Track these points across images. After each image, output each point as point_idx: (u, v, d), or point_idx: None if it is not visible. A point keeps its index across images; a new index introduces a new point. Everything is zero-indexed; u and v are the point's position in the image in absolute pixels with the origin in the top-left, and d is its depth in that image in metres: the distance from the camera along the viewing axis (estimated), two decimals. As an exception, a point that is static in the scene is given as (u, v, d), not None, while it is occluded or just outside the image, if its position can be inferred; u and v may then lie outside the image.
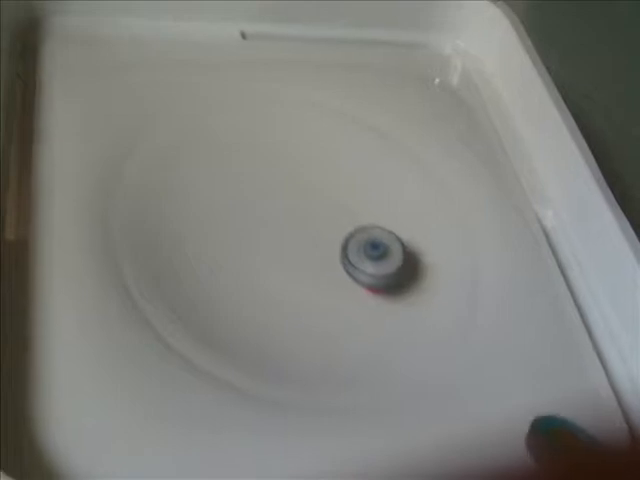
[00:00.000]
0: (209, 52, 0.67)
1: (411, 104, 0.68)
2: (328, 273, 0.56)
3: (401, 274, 0.56)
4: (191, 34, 0.67)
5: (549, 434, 0.49)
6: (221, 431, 0.48)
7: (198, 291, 0.54)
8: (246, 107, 0.64)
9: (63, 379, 0.47)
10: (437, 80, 0.71)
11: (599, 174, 0.60)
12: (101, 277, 0.52)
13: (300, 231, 0.59)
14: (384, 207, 0.61)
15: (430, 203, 0.62)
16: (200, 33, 0.67)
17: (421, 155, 0.64)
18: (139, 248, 0.55)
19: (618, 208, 0.58)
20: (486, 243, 0.60)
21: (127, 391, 0.48)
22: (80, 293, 0.51)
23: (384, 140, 0.64)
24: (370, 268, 0.56)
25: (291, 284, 0.56)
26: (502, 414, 0.50)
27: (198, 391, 0.49)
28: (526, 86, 0.68)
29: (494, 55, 0.72)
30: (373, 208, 0.61)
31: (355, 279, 0.56)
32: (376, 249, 0.56)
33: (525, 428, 0.47)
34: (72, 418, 0.46)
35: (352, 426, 0.50)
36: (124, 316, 0.51)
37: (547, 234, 0.62)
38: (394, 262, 0.56)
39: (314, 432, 0.49)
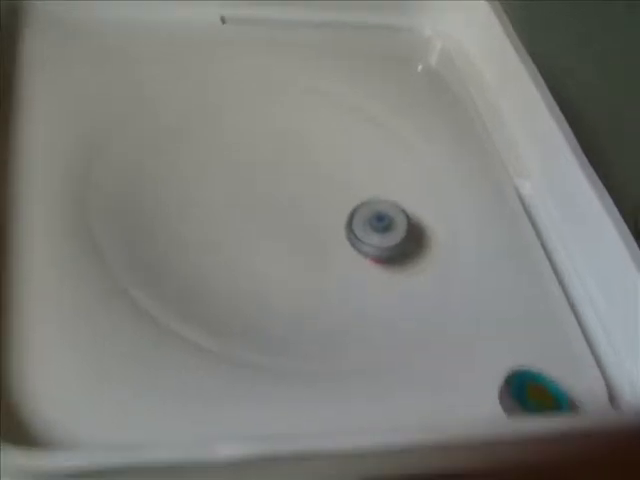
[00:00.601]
0: (192, 35, 0.67)
1: (394, 85, 0.69)
2: (330, 245, 0.58)
3: (405, 245, 0.57)
4: (173, 17, 0.68)
5: (523, 388, 0.51)
6: (196, 392, 0.48)
7: (186, 264, 0.55)
8: (231, 89, 0.65)
9: (35, 342, 0.48)
10: (419, 61, 0.73)
11: (576, 145, 0.62)
12: (75, 242, 0.53)
13: (297, 209, 0.61)
14: (375, 184, 0.62)
15: (414, 178, 0.63)
16: (182, 16, 0.68)
17: (404, 133, 0.66)
18: (119, 220, 0.55)
19: (595, 176, 0.60)
20: (467, 214, 0.61)
21: (99, 353, 0.48)
22: (54, 253, 0.52)
23: (368, 120, 0.66)
24: (375, 240, 0.57)
25: (290, 259, 0.58)
26: (483, 374, 0.52)
27: (181, 356, 0.49)
28: (506, 65, 0.69)
29: (474, 36, 0.74)
30: (365, 186, 0.62)
31: (360, 251, 0.57)
32: (381, 221, 0.57)
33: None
34: (44, 380, 0.46)
35: (351, 390, 0.51)
36: (98, 282, 0.51)
37: (525, 204, 0.64)
38: (399, 233, 0.57)
39: (310, 398, 0.50)
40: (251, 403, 0.48)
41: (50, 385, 0.46)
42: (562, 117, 0.63)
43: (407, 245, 0.58)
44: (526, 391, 0.51)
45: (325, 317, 0.55)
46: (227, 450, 0.42)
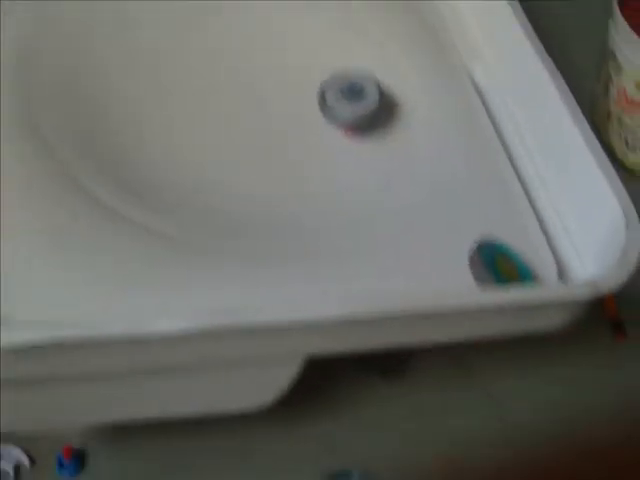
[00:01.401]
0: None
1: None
2: (304, 118, 0.59)
3: (377, 113, 0.59)
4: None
5: (492, 258, 0.53)
6: (150, 275, 0.49)
7: (131, 138, 0.57)
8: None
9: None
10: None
11: (529, 27, 0.63)
12: (15, 119, 0.54)
13: (266, 89, 0.62)
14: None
15: (371, 64, 0.63)
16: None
17: (368, 25, 0.66)
18: (59, 97, 0.57)
19: (547, 56, 0.61)
20: (422, 94, 0.62)
21: (38, 225, 0.50)
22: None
23: (335, 12, 0.66)
24: (348, 108, 0.58)
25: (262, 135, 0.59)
26: (443, 247, 0.53)
27: (136, 241, 0.51)
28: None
29: None
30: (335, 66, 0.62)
31: (334, 121, 0.58)
32: (354, 89, 0.58)
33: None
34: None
35: (316, 269, 0.52)
36: (38, 156, 0.53)
37: (478, 87, 0.65)
38: (370, 101, 0.58)
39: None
40: (209, 284, 0.49)
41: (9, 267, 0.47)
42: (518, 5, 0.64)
43: (379, 113, 0.59)
44: (495, 263, 0.53)
45: (296, 194, 0.56)
46: (167, 324, 0.43)
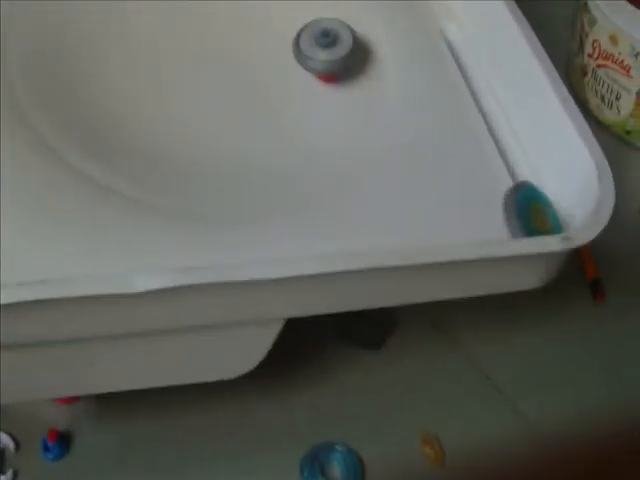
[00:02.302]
0: None
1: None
2: (280, 67, 0.60)
3: (351, 58, 0.59)
4: None
5: (527, 204, 0.53)
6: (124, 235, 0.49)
7: (105, 108, 0.56)
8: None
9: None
10: None
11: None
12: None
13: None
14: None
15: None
16: None
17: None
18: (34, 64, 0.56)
19: (520, 13, 0.61)
20: (395, 55, 0.62)
21: (15, 195, 0.50)
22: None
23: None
24: (322, 54, 0.58)
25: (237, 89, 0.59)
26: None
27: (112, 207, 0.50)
28: None
29: None
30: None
31: (308, 68, 0.59)
32: (327, 36, 0.58)
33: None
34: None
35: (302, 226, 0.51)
36: (13, 127, 0.52)
37: (451, 46, 0.64)
38: (344, 47, 0.59)
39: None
40: (187, 246, 0.49)
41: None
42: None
43: (353, 60, 0.59)
44: (530, 209, 0.53)
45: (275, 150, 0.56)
46: (144, 281, 0.43)
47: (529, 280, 0.51)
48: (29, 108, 0.54)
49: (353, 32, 0.59)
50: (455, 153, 0.56)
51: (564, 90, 0.56)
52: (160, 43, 0.61)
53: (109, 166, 0.52)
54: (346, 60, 0.58)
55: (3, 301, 0.42)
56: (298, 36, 0.59)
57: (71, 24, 0.60)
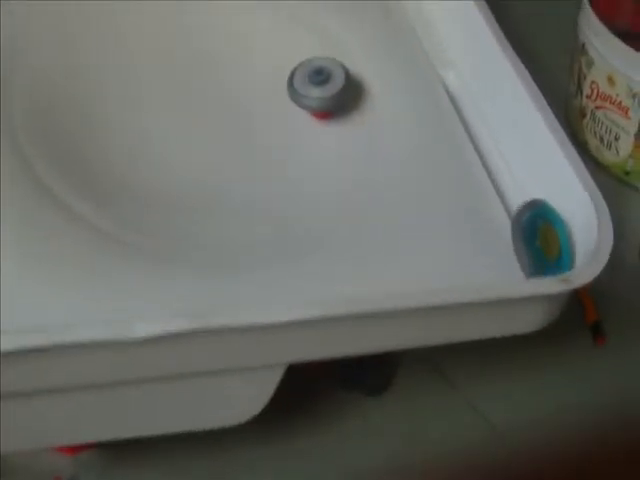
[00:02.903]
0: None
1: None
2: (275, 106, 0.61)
3: (344, 95, 0.60)
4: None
5: (535, 225, 0.54)
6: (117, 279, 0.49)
7: (95, 144, 0.57)
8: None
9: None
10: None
11: (499, 32, 0.63)
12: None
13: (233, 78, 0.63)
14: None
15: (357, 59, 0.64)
16: None
17: (336, 31, 0.66)
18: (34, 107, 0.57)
19: (519, 61, 0.61)
20: (393, 104, 0.62)
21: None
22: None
23: (296, 17, 0.66)
24: (315, 92, 0.59)
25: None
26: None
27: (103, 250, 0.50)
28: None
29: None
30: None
31: (302, 105, 0.60)
32: (320, 74, 0.59)
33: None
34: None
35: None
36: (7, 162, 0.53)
37: (450, 93, 0.65)
38: (337, 84, 0.60)
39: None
40: (183, 288, 0.49)
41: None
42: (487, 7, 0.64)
43: (346, 97, 0.60)
44: (537, 230, 0.54)
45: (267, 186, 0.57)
46: (144, 327, 0.43)
47: (527, 323, 0.51)
48: (31, 154, 0.54)
49: (346, 69, 0.60)
50: (452, 192, 0.57)
51: (562, 134, 0.56)
52: (158, 87, 0.62)
53: (108, 211, 0.53)
54: (339, 97, 0.59)
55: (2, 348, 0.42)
56: (292, 75, 0.60)
57: (71, 73, 0.60)
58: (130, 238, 0.51)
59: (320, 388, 0.57)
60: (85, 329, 0.43)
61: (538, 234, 0.53)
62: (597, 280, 0.49)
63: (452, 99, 0.64)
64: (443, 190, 0.57)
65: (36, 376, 0.44)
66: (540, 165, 0.57)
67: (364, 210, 0.55)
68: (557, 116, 0.58)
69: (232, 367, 0.47)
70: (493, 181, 0.59)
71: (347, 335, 0.47)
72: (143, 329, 0.43)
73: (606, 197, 0.53)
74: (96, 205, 0.53)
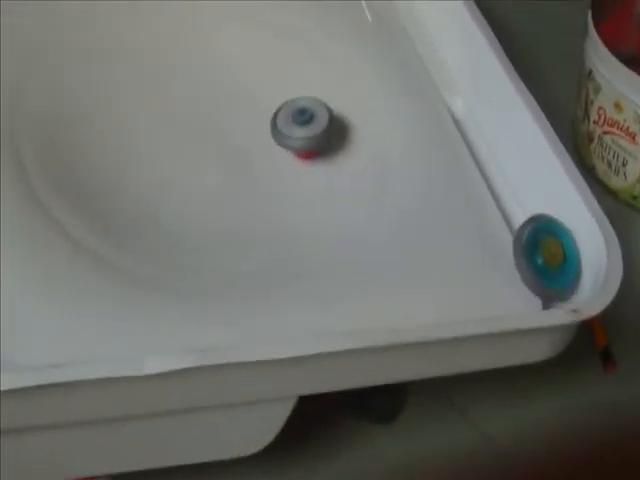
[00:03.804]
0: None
1: (322, 10, 0.69)
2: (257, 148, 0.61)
3: (328, 136, 0.60)
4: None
5: (536, 238, 0.54)
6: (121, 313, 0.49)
7: (104, 180, 0.57)
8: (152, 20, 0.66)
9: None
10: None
11: (505, 58, 0.63)
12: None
13: (220, 118, 0.63)
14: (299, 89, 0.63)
15: (343, 98, 0.64)
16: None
17: (335, 54, 0.66)
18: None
19: (526, 90, 0.61)
20: (399, 130, 0.62)
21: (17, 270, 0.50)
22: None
23: (298, 39, 0.66)
24: (298, 132, 0.59)
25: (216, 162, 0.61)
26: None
27: (103, 279, 0.51)
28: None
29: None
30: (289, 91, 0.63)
31: (285, 145, 0.60)
32: (303, 114, 0.59)
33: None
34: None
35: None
36: (15, 195, 0.53)
37: (457, 121, 0.65)
38: (320, 124, 0.59)
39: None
40: (181, 321, 0.49)
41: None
42: (490, 29, 0.64)
43: (330, 136, 0.60)
44: (539, 245, 0.54)
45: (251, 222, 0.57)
46: (154, 363, 0.43)
47: (536, 353, 0.51)
48: (39, 187, 0.54)
49: (329, 109, 0.60)
50: (457, 222, 0.57)
51: (569, 160, 0.56)
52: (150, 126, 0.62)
53: (114, 243, 0.53)
54: (323, 136, 0.59)
55: (7, 387, 0.42)
56: (275, 115, 0.60)
57: (78, 105, 0.61)
58: (127, 265, 0.51)
59: (329, 416, 0.57)
60: (93, 365, 0.43)
61: (540, 247, 0.54)
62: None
63: (457, 125, 0.64)
64: (446, 221, 0.57)
65: (41, 412, 0.44)
66: (547, 191, 0.57)
67: (354, 247, 0.55)
68: (564, 141, 0.58)
69: (242, 401, 0.47)
70: (499, 207, 0.59)
71: (358, 368, 0.47)
72: (153, 365, 0.43)
73: (614, 222, 0.54)
74: (96, 232, 0.53)
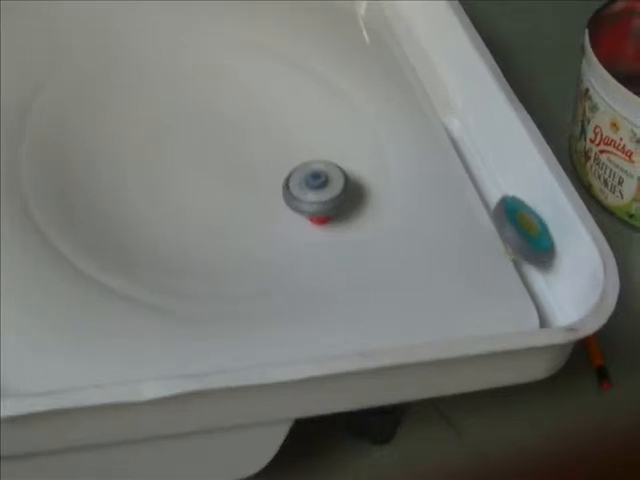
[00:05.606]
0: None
1: (320, 32, 0.69)
2: (269, 207, 0.59)
3: (343, 200, 0.58)
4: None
5: (515, 212, 0.57)
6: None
7: (112, 214, 0.57)
8: (161, 38, 0.66)
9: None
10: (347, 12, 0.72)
11: (503, 79, 0.63)
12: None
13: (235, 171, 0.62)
14: (311, 136, 0.63)
15: (347, 126, 0.64)
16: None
17: (341, 86, 0.66)
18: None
19: (523, 109, 0.61)
20: (400, 155, 0.62)
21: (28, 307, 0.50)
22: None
23: (298, 69, 0.67)
24: (312, 196, 0.57)
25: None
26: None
27: (108, 305, 0.51)
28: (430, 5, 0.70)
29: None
30: (302, 142, 0.63)
31: (298, 210, 0.57)
32: (317, 178, 0.57)
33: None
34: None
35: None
36: (18, 227, 0.53)
37: (455, 141, 0.65)
38: (335, 188, 0.57)
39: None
40: (179, 348, 0.49)
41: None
42: (486, 48, 0.65)
43: (346, 200, 0.58)
44: (517, 216, 0.57)
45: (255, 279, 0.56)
46: (152, 388, 0.43)
47: (532, 372, 0.51)
48: (41, 220, 0.54)
49: (344, 172, 0.58)
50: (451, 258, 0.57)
51: (568, 183, 0.57)
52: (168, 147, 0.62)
53: (114, 270, 0.53)
54: (338, 201, 0.57)
55: (10, 413, 0.42)
56: (288, 178, 0.58)
57: (82, 137, 0.60)
58: (126, 291, 0.51)
59: (326, 436, 0.57)
60: (93, 392, 0.43)
61: (519, 220, 0.56)
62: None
63: (455, 144, 0.65)
64: (444, 247, 0.57)
65: (41, 439, 0.44)
66: (545, 211, 0.58)
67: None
68: (562, 159, 0.59)
69: (239, 424, 0.47)
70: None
71: (356, 390, 0.48)
72: (151, 390, 0.43)
73: (610, 240, 0.54)
74: (99, 262, 0.53)
